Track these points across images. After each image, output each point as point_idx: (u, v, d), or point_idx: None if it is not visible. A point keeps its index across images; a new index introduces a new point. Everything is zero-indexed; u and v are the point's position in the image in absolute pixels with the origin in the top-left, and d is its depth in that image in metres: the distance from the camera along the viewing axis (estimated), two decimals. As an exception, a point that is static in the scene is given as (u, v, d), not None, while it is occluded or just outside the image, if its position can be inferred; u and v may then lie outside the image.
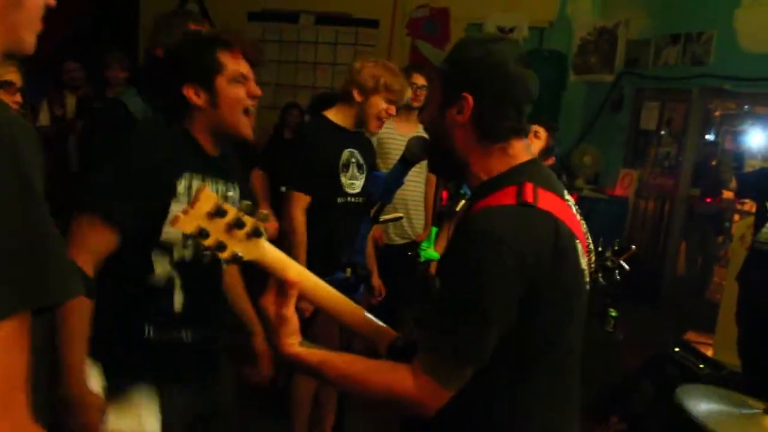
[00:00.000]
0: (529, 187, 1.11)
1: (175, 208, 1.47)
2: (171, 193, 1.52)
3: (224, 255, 1.07)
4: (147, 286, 1.56)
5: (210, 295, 1.69)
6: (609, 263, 2.32)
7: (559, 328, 1.14)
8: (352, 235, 2.09)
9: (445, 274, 1.15)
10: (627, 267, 2.34)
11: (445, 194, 4.38)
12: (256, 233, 1.08)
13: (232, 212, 1.06)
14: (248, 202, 1.09)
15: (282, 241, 2.38)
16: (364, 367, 1.12)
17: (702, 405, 1.92)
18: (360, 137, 2.62)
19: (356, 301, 1.36)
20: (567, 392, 1.20)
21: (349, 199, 2.53)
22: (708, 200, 5.74)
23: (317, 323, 1.86)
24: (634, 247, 2.49)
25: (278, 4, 6.92)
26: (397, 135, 3.15)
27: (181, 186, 1.53)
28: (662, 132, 5.63)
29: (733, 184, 3.91)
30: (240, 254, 1.08)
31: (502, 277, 1.05)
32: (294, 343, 1.13)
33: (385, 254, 2.93)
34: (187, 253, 1.59)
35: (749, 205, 5.61)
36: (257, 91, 1.60)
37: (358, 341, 1.59)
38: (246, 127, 1.59)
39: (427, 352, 1.08)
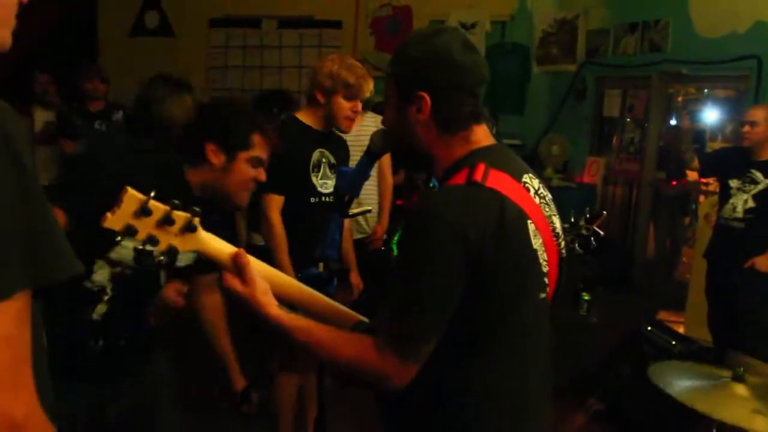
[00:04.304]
0: (480, 167, 1.14)
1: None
2: None
3: (160, 248, 1.10)
4: (77, 287, 1.58)
5: (135, 312, 1.73)
6: (584, 231, 2.40)
7: (510, 306, 1.15)
8: (325, 234, 2.10)
9: (396, 255, 1.21)
10: (601, 232, 2.43)
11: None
12: (189, 228, 1.10)
13: (159, 210, 1.08)
14: (177, 201, 1.11)
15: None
16: (336, 337, 1.16)
17: (674, 380, 1.97)
18: (331, 136, 2.61)
19: (330, 296, 1.37)
20: (522, 375, 1.21)
21: (321, 198, 2.53)
22: (674, 183, 5.86)
23: None
24: (605, 213, 2.58)
25: (240, 10, 6.88)
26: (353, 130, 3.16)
27: None
28: (626, 119, 5.74)
29: (695, 163, 3.99)
30: (175, 246, 1.10)
31: (443, 253, 1.08)
32: (272, 303, 1.16)
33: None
34: (129, 271, 1.62)
35: (714, 186, 5.75)
36: (262, 177, 1.73)
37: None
38: (244, 200, 1.72)
39: (385, 327, 1.12)
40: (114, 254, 1.59)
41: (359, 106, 2.51)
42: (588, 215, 2.42)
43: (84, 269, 0.76)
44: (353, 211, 1.83)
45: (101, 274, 1.61)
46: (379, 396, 1.25)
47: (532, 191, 1.22)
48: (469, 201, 1.11)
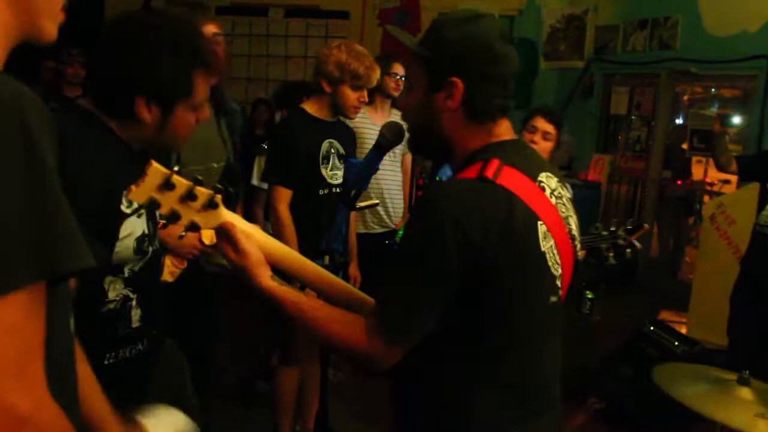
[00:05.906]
0: (493, 163, 1.10)
1: (128, 226, 1.38)
2: (120, 215, 1.36)
3: (182, 223, 1.09)
4: (102, 313, 1.42)
5: (158, 294, 1.63)
6: (621, 241, 2.34)
7: (514, 309, 1.12)
8: (332, 226, 2.08)
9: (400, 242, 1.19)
10: (638, 245, 2.36)
11: (421, 182, 4.38)
12: (211, 205, 1.09)
13: (182, 185, 1.06)
14: (200, 177, 1.11)
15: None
16: (326, 313, 1.16)
17: (678, 383, 1.96)
18: (339, 127, 2.59)
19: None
20: (530, 373, 1.19)
21: (331, 190, 2.52)
22: (678, 182, 5.84)
23: None
24: (646, 226, 2.52)
25: (247, -2, 6.86)
26: (371, 124, 3.14)
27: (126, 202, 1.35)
28: (632, 116, 5.71)
29: (734, 167, 3.79)
30: (197, 222, 1.10)
31: (439, 247, 1.05)
32: (266, 275, 1.16)
33: (364, 243, 2.93)
34: (137, 266, 1.46)
35: (718, 186, 5.72)
36: (205, 116, 1.43)
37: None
38: (184, 144, 1.46)
39: (376, 312, 1.12)
40: (117, 254, 1.39)
41: (366, 95, 2.48)
42: (629, 226, 2.36)
43: (94, 264, 0.73)
44: (360, 204, 1.81)
45: (114, 289, 1.43)
46: (391, 391, 1.25)
47: (548, 191, 1.17)
48: (476, 197, 1.07)
